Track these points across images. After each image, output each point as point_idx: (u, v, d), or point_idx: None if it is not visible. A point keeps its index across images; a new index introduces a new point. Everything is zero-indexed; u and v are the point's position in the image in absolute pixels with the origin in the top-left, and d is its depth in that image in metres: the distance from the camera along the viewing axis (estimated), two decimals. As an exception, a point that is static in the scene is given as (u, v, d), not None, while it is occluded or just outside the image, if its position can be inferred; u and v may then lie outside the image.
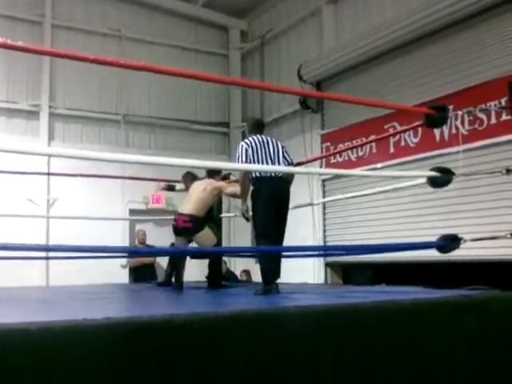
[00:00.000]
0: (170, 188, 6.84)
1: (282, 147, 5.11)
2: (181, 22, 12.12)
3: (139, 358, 2.23)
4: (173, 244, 6.02)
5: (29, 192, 10.11)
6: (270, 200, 4.81)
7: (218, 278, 5.86)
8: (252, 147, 4.91)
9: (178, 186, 6.71)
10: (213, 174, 5.97)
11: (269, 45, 11.94)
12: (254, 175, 4.89)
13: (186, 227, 5.53)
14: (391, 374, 2.84)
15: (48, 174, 10.03)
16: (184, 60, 11.66)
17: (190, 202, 5.60)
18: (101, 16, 11.33)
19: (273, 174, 4.85)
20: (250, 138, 5.02)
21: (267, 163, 4.89)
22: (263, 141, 5.01)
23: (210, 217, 5.95)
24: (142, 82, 11.12)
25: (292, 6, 11.14)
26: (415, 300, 3.26)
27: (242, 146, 4.97)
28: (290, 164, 5.13)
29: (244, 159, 4.87)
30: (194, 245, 5.85)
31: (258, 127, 5.25)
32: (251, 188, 4.99)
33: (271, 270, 4.75)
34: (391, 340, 2.88)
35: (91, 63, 3.15)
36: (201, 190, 5.67)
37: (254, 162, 4.85)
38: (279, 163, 4.96)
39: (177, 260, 5.70)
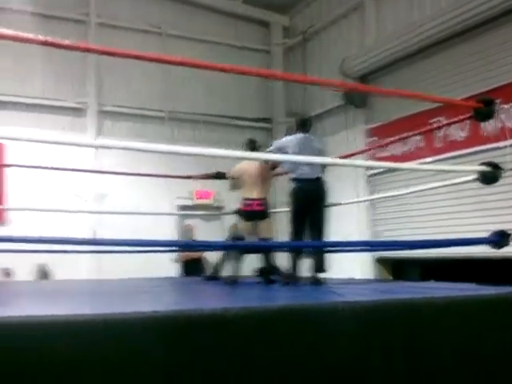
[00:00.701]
0: (219, 175, 6.48)
1: (324, 145, 5.20)
2: (222, 18, 12.19)
3: (189, 351, 2.27)
4: (235, 237, 5.95)
5: (78, 188, 10.35)
6: (304, 202, 4.96)
7: (269, 272, 5.89)
8: (293, 146, 4.99)
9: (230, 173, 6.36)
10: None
11: (311, 40, 11.91)
12: (291, 175, 5.00)
13: (261, 210, 5.46)
14: (445, 373, 2.83)
15: (97, 171, 10.22)
16: (225, 56, 11.70)
17: (256, 185, 5.50)
18: (142, 13, 11.49)
19: (311, 175, 4.94)
20: (293, 137, 5.10)
21: (307, 165, 4.96)
22: (306, 140, 5.08)
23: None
24: (187, 79, 11.23)
25: (334, 1, 11.09)
26: (469, 296, 3.23)
27: (282, 141, 5.11)
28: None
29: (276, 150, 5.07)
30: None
31: (302, 125, 5.29)
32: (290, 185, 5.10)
33: (294, 266, 4.99)
34: (444, 337, 2.86)
35: (136, 59, 3.19)
36: (258, 171, 5.49)
37: (294, 164, 4.96)
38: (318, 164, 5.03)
39: (237, 253, 5.68)
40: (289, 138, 5.18)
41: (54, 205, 9.22)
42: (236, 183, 5.82)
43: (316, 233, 5.02)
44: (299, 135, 5.13)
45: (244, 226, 5.61)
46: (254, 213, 5.52)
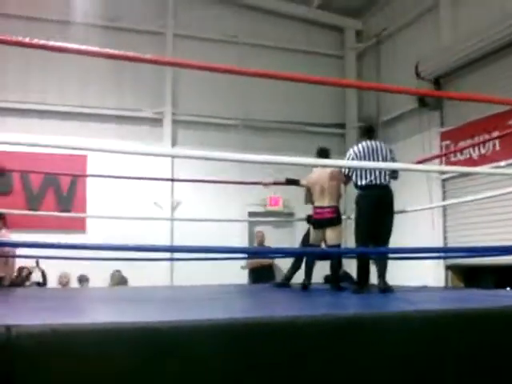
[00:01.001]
0: (293, 181, 6.50)
1: (391, 151, 5.16)
2: (296, 24, 12.22)
3: (262, 358, 2.31)
4: (306, 243, 6.00)
5: (154, 196, 10.67)
6: (371, 209, 4.98)
7: (339, 280, 5.88)
8: (359, 156, 5.02)
9: (303, 182, 6.41)
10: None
11: (384, 43, 11.77)
12: (359, 183, 5.01)
13: (332, 218, 5.52)
14: None
15: (172, 179, 10.51)
16: (299, 62, 11.73)
17: (326, 194, 5.56)
18: (218, 23, 11.67)
19: (378, 182, 4.93)
20: (360, 145, 5.15)
21: (374, 173, 4.94)
22: (372, 147, 5.09)
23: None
24: (259, 87, 11.31)
25: (408, 3, 10.91)
26: None
27: (350, 155, 5.15)
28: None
29: (347, 171, 5.19)
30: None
31: (367, 133, 5.33)
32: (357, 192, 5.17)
33: (364, 273, 5.02)
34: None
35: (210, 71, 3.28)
36: (329, 178, 5.57)
37: (360, 172, 4.97)
38: (385, 172, 5.00)
39: (310, 261, 5.74)
40: (355, 148, 5.20)
41: (131, 213, 9.51)
42: (309, 195, 5.88)
43: (382, 240, 4.99)
44: (365, 143, 5.15)
45: (314, 233, 5.67)
46: (325, 220, 5.58)
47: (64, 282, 9.34)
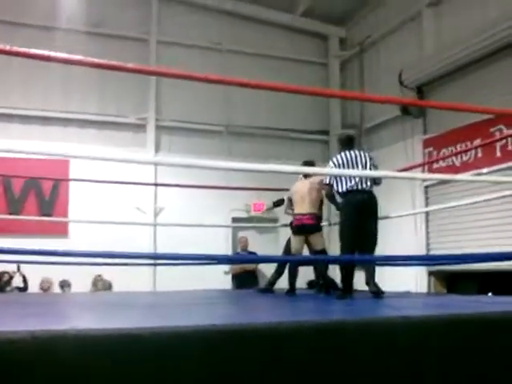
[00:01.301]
0: (278, 203, 6.95)
1: (371, 159, 5.21)
2: (280, 32, 12.27)
3: (243, 365, 2.30)
4: (287, 251, 6.15)
5: (137, 201, 10.62)
6: (355, 214, 5.00)
7: (323, 285, 5.97)
8: (339, 165, 5.09)
9: (285, 197, 6.67)
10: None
11: (368, 51, 11.86)
12: (340, 189, 5.05)
13: (311, 224, 5.72)
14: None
15: (155, 184, 10.48)
16: (283, 70, 11.77)
17: (306, 202, 5.76)
18: (202, 30, 11.67)
19: (359, 187, 4.97)
20: (338, 156, 5.25)
21: (355, 179, 4.99)
22: (351, 156, 5.15)
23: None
24: (243, 93, 11.33)
25: (391, 11, 11.00)
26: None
27: (330, 166, 5.23)
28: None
29: (328, 180, 5.24)
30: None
31: (346, 143, 5.40)
32: (339, 201, 5.23)
33: (349, 279, 5.03)
34: (500, 354, 2.79)
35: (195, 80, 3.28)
36: (308, 189, 5.80)
37: (341, 179, 5.01)
38: (366, 178, 5.05)
39: (293, 266, 5.84)
40: (334, 158, 5.25)
41: (114, 217, 9.47)
42: (289, 204, 6.12)
43: (368, 246, 5.01)
44: (343, 153, 5.21)
45: (295, 240, 5.76)
46: (304, 226, 5.73)
47: (46, 287, 9.26)
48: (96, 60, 2.93)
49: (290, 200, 6.03)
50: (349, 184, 5.03)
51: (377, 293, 4.80)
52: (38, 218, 9.66)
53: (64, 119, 10.60)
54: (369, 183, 5.07)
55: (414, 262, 7.01)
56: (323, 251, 5.81)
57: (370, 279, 4.92)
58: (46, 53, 2.77)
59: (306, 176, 6.04)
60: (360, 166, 5.09)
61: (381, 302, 4.55)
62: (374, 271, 4.97)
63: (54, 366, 2.00)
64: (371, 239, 5.02)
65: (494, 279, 7.87)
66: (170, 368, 2.18)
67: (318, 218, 5.81)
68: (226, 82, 3.71)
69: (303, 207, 5.76)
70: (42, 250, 3.33)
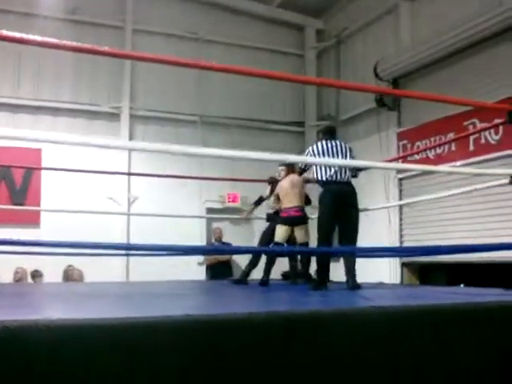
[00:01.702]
0: (259, 202, 6.95)
1: (350, 150, 5.21)
2: (256, 22, 12.21)
3: (218, 354, 2.28)
4: (265, 241, 6.21)
5: (110, 191, 10.52)
6: (333, 203, 4.97)
7: (298, 276, 6.04)
8: (318, 153, 5.06)
9: (266, 192, 6.74)
10: (292, 169, 6.09)
11: (345, 43, 11.87)
12: (319, 178, 5.03)
13: (298, 216, 5.84)
14: (473, 378, 2.79)
15: (129, 174, 10.38)
16: (259, 60, 11.72)
17: (293, 196, 5.90)
18: (178, 19, 11.56)
19: (339, 178, 4.96)
20: (319, 143, 5.21)
21: (334, 168, 4.98)
22: (331, 145, 5.16)
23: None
24: (219, 84, 11.30)
25: (368, 4, 11.01)
26: (496, 302, 3.17)
27: (309, 152, 5.22)
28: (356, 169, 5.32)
29: (303, 166, 5.38)
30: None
31: (328, 133, 5.40)
32: (319, 191, 5.18)
33: (324, 270, 5.01)
34: (471, 343, 2.82)
35: (170, 65, 3.23)
36: (291, 186, 5.93)
37: (320, 168, 5.00)
38: (345, 168, 5.05)
39: (271, 258, 5.93)
40: (314, 146, 5.23)
41: (86, 207, 9.37)
42: (276, 200, 6.24)
43: (349, 237, 4.99)
44: (324, 142, 5.19)
45: (283, 231, 5.87)
46: (292, 218, 5.86)
47: (18, 278, 9.12)
48: (70, 43, 2.87)
49: (278, 197, 6.14)
50: (328, 173, 5.00)
51: (352, 288, 4.79)
52: (9, 207, 9.49)
53: (36, 107, 10.43)
54: (348, 173, 5.07)
55: (386, 253, 7.04)
56: (306, 244, 5.90)
57: (350, 273, 4.89)
58: (19, 35, 2.70)
59: (289, 171, 6.10)
60: (340, 156, 5.08)
61: (355, 293, 4.57)
62: (353, 264, 4.94)
63: (26, 358, 1.96)
64: (352, 232, 5.01)
65: (463, 271, 7.97)
66: (144, 358, 2.16)
67: (303, 210, 5.95)
68: (199, 67, 3.65)
69: (291, 201, 5.90)
70: (12, 239, 3.25)
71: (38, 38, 2.80)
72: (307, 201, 6.17)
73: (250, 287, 5.73)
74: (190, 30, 11.61)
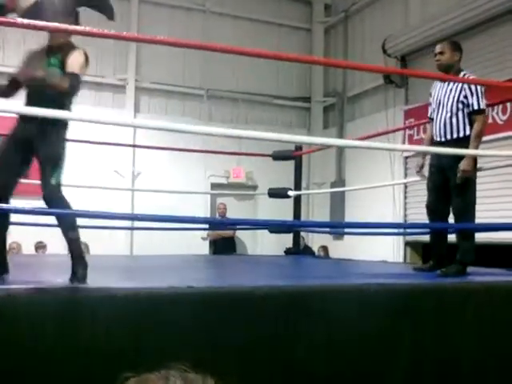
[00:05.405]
0: None
1: None
2: (265, -4, 12.08)
3: (222, 325, 2.29)
4: None
5: (115, 164, 10.49)
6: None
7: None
8: None
9: None
10: None
11: (353, 18, 11.71)
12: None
13: None
14: (472, 356, 2.80)
15: (134, 145, 10.33)
16: (267, 34, 11.61)
17: None
18: (186, -9, 11.44)
19: None
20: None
21: None
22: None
23: None
24: (226, 57, 11.17)
25: (377, -22, 10.86)
26: (500, 282, 3.17)
27: None
28: None
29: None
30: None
31: None
32: None
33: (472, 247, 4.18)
34: (472, 322, 2.83)
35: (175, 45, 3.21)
36: None
37: None
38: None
39: None
40: None
41: (91, 181, 9.35)
42: None
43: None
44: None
45: None
46: None
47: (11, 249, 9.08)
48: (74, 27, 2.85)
49: None
50: None
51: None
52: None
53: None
54: None
55: (384, 230, 6.97)
56: None
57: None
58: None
59: None
60: None
61: (352, 270, 4.58)
62: None
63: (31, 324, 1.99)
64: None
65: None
66: (147, 327, 2.17)
67: None
68: (207, 48, 3.60)
69: None
70: (15, 207, 3.24)
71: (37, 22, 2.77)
72: None
73: (255, 261, 5.74)
74: (197, 2, 11.48)
